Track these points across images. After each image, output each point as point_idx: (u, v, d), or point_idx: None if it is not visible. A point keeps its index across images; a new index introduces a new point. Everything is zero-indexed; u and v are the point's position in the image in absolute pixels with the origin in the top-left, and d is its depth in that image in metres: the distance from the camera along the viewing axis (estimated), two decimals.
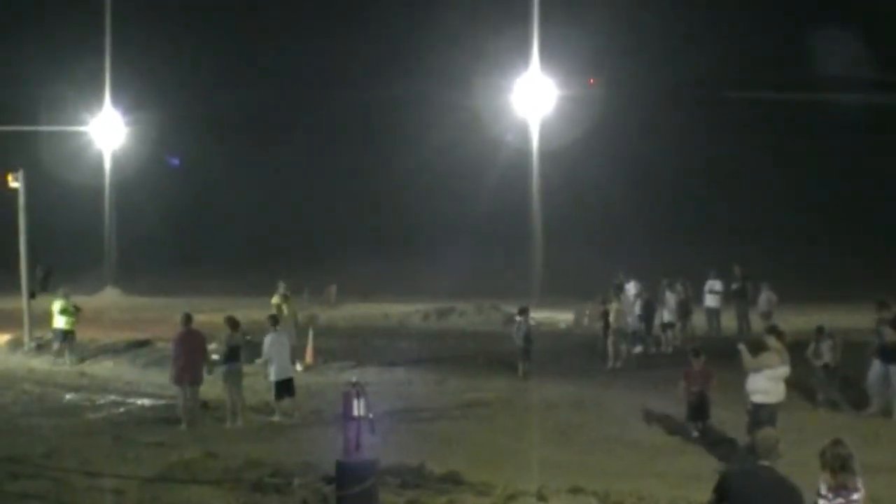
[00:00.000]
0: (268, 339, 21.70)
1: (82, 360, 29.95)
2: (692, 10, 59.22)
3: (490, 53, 50.03)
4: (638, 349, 29.55)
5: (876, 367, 20.72)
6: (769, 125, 58.57)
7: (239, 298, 41.45)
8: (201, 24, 67.04)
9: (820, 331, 22.19)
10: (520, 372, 26.11)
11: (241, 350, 21.70)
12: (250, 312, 29.69)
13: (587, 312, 35.43)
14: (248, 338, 23.53)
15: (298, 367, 25.88)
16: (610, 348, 28.03)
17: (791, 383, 17.73)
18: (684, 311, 32.01)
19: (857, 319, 27.25)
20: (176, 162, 67.77)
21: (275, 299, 27.97)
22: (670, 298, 31.00)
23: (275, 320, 22.63)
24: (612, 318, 28.12)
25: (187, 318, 21.89)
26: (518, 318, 27.11)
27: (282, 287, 28.40)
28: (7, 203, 33.27)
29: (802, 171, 57.48)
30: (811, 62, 55.37)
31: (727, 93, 56.52)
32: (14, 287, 33.81)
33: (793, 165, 57.52)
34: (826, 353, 21.65)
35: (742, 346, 17.33)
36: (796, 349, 18.55)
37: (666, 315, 30.88)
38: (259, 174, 66.30)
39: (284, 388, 21.57)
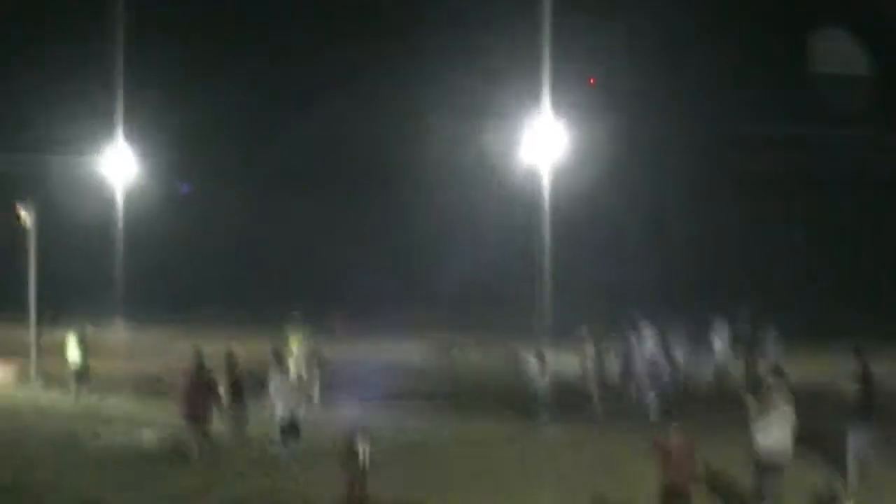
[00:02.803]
0: (273, 381, 21.42)
1: (102, 396, 29.83)
2: (715, 58, 59.27)
3: (501, 100, 50.19)
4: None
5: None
6: (791, 179, 58.30)
7: (245, 332, 41.32)
8: (219, 63, 67.29)
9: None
10: (541, 419, 25.59)
11: (243, 385, 21.58)
12: (258, 347, 29.67)
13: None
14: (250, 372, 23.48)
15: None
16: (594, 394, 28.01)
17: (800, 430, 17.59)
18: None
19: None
20: (186, 188, 67.78)
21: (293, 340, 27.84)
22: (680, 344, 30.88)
23: (279, 359, 22.36)
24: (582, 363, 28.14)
25: (198, 354, 21.56)
26: (534, 361, 26.89)
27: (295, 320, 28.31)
28: (17, 238, 33.39)
29: (824, 226, 57.17)
30: (839, 115, 55.32)
31: (744, 148, 56.52)
32: (22, 320, 33.83)
33: (813, 220, 57.24)
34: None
35: (748, 396, 17.19)
36: (802, 395, 18.40)
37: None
38: (267, 223, 66.33)
39: (289, 429, 21.35)
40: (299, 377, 24.55)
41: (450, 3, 62.24)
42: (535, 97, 45.65)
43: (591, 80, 51.43)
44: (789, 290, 51.85)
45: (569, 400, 28.11)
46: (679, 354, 30.63)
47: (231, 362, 21.79)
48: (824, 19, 54.14)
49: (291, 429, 21.05)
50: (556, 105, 45.64)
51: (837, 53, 51.91)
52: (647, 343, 29.97)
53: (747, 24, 60.07)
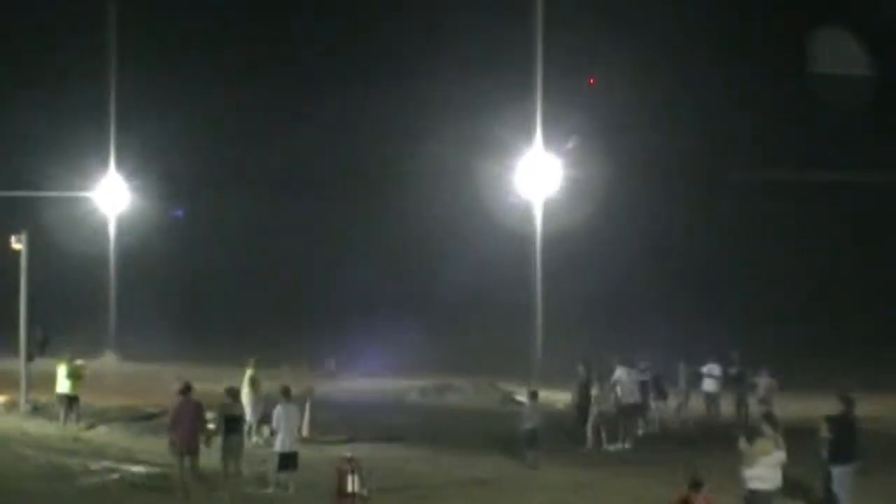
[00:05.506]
0: (278, 410, 21.60)
1: (91, 426, 29.70)
2: (708, 87, 59.37)
3: (494, 131, 50.18)
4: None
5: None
6: (784, 206, 58.19)
7: (237, 367, 41.15)
8: (208, 83, 67.17)
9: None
10: (528, 461, 24.98)
11: (241, 421, 21.55)
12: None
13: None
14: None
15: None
16: (589, 432, 27.89)
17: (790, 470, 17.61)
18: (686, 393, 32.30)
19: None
20: (179, 214, 67.67)
21: (249, 373, 27.93)
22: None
23: (287, 392, 22.44)
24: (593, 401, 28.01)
25: (186, 388, 21.52)
26: (526, 402, 26.72)
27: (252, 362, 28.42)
28: (9, 266, 33.35)
29: (817, 253, 57.06)
30: (830, 140, 55.43)
31: (738, 172, 56.45)
32: (12, 349, 33.72)
33: (807, 248, 57.13)
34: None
35: (741, 439, 17.22)
36: (794, 436, 18.37)
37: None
38: (263, 236, 66.13)
39: (288, 460, 21.34)
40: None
41: (444, 32, 62.38)
42: (529, 130, 45.79)
43: (591, 81, 51.08)
44: (787, 318, 51.72)
45: (563, 438, 28.08)
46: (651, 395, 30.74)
47: (233, 395, 21.89)
48: (824, 19, 54.04)
49: (290, 458, 21.20)
50: (550, 137, 45.78)
51: (837, 53, 51.84)
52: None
53: (747, 41, 60.18)
